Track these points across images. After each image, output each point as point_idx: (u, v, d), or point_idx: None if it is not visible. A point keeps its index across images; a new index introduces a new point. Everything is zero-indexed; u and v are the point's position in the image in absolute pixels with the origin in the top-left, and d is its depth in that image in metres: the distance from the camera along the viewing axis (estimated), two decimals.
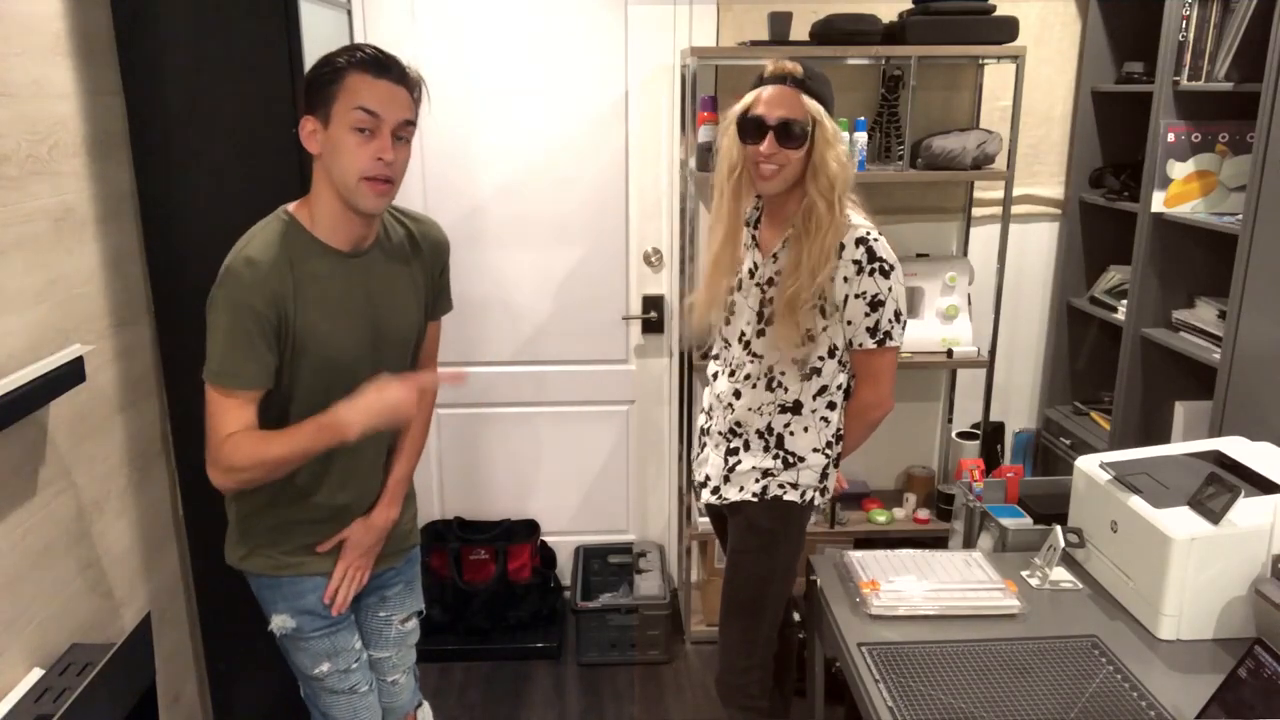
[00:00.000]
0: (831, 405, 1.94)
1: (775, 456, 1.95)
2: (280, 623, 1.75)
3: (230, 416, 1.54)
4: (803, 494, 1.95)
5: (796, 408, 1.92)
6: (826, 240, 1.79)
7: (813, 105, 1.77)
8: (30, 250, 1.71)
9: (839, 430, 1.98)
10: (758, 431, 1.95)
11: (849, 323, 1.86)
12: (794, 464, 1.94)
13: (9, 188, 1.65)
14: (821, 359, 1.89)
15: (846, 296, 1.83)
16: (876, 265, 1.81)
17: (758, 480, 1.95)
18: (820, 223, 1.79)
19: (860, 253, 1.80)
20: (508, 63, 2.88)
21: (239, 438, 1.54)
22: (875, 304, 1.83)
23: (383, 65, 1.53)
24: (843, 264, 1.81)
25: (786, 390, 1.92)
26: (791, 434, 1.94)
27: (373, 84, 1.51)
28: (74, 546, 1.84)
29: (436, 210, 2.98)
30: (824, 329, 1.86)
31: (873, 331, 1.85)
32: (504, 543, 3.06)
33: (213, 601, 2.31)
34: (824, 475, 1.97)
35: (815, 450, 1.95)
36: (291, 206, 1.62)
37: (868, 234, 1.82)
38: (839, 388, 1.94)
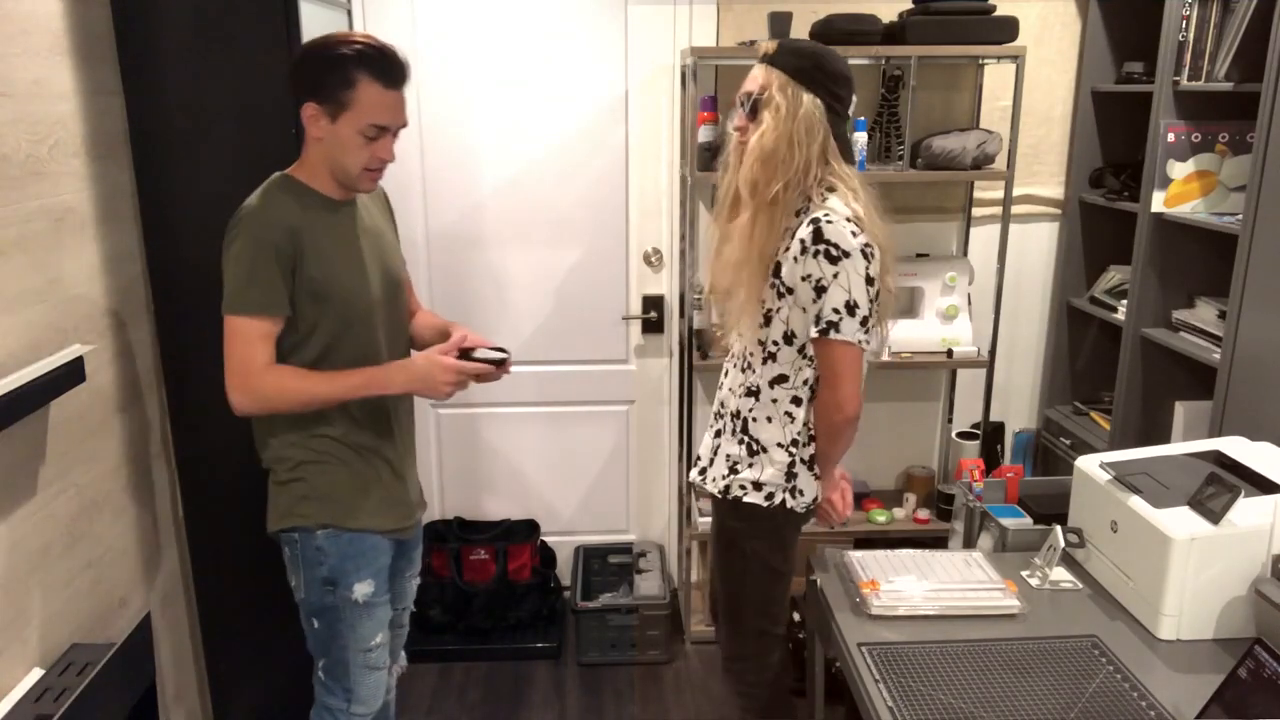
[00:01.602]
0: (796, 400, 1.85)
1: (740, 442, 1.90)
2: (363, 590, 1.82)
3: (257, 346, 1.66)
4: (768, 495, 1.87)
5: (756, 392, 1.87)
6: (746, 223, 1.78)
7: (768, 76, 1.75)
8: (30, 250, 1.71)
9: (808, 429, 1.88)
10: (731, 414, 1.93)
11: (803, 309, 1.79)
12: (757, 452, 1.88)
13: (9, 188, 1.64)
14: (776, 344, 1.83)
15: (797, 277, 1.76)
16: (822, 248, 1.70)
17: (724, 476, 1.92)
18: (742, 215, 1.79)
19: (807, 232, 1.72)
20: (507, 62, 2.88)
21: (283, 371, 1.67)
22: (819, 289, 1.72)
23: (394, 76, 1.64)
24: (793, 243, 1.76)
25: (754, 372, 1.88)
26: (754, 420, 1.88)
27: (384, 95, 1.64)
28: (74, 546, 1.84)
29: (436, 210, 2.99)
30: (777, 310, 1.81)
31: (817, 319, 1.74)
32: (504, 543, 3.06)
33: (213, 601, 2.31)
34: (790, 474, 1.87)
35: (779, 445, 1.86)
36: (287, 170, 1.76)
37: (823, 215, 1.72)
38: (804, 383, 1.85)
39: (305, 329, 1.71)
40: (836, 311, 1.73)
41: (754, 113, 1.78)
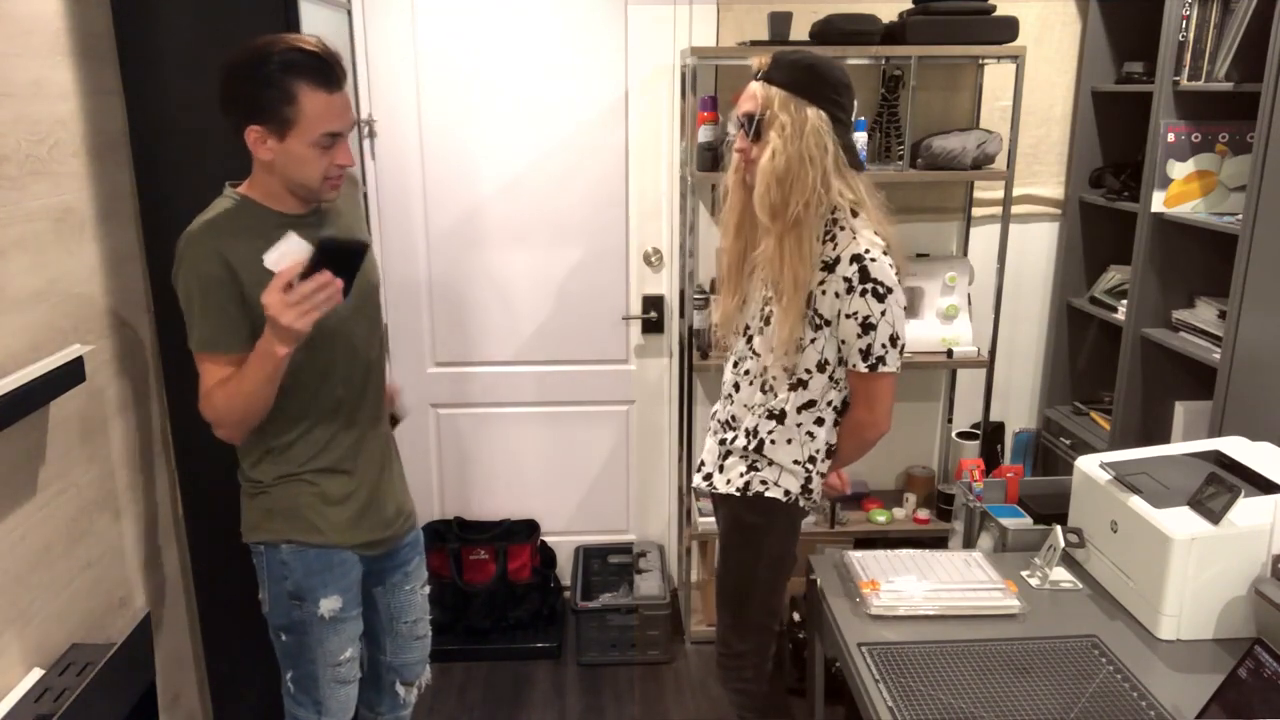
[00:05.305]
0: (819, 421, 1.88)
1: (758, 453, 1.92)
2: (330, 605, 1.79)
3: (211, 378, 1.61)
4: (785, 492, 1.91)
5: (780, 416, 1.88)
6: (773, 250, 1.75)
7: (766, 93, 1.71)
8: (30, 250, 1.71)
9: (828, 445, 1.92)
10: (746, 430, 1.93)
11: (843, 341, 1.81)
12: (774, 465, 1.91)
13: (9, 188, 1.64)
14: (809, 372, 1.84)
15: (839, 313, 1.78)
16: (869, 286, 1.73)
17: (741, 475, 1.93)
18: (766, 242, 1.76)
19: (852, 270, 1.74)
20: (507, 62, 2.88)
21: (211, 390, 1.61)
22: (867, 326, 1.76)
23: (332, 77, 1.54)
24: (834, 279, 1.76)
25: (775, 396, 1.88)
26: (773, 443, 1.89)
27: (328, 101, 1.54)
28: (74, 546, 1.84)
29: (436, 210, 2.99)
30: (813, 341, 1.82)
31: (865, 354, 1.78)
32: (504, 543, 3.06)
33: (213, 602, 2.31)
34: (805, 488, 1.92)
35: (796, 462, 1.90)
36: (238, 187, 1.68)
37: (865, 251, 1.74)
38: (829, 405, 1.88)
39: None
40: (884, 347, 1.78)
41: (757, 134, 1.75)
